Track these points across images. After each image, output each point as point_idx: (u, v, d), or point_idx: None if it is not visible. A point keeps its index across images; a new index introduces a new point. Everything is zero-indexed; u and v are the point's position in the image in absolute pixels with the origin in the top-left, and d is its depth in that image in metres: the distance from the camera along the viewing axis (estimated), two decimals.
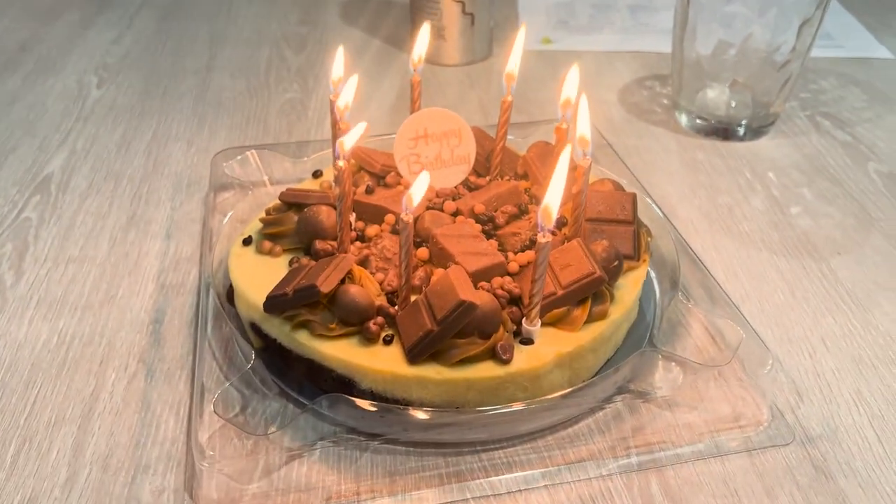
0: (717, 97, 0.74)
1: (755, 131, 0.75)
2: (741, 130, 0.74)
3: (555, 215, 0.41)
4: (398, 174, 0.54)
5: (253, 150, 0.65)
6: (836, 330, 0.53)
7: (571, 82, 0.50)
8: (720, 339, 0.51)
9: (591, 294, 0.46)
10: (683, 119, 0.77)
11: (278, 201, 0.53)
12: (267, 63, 0.88)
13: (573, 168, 0.48)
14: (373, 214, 0.52)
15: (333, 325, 0.44)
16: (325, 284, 0.43)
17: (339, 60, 0.54)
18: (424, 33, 0.56)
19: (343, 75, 0.53)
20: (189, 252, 0.59)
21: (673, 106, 0.79)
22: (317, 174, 0.59)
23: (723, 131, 0.75)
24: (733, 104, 0.74)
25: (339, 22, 0.98)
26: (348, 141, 0.45)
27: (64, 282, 0.57)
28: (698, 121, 0.75)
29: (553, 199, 0.41)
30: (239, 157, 0.64)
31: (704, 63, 0.72)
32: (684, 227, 0.62)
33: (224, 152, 0.64)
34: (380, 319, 0.44)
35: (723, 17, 0.69)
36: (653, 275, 0.55)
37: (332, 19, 0.99)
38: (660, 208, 0.57)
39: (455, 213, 0.51)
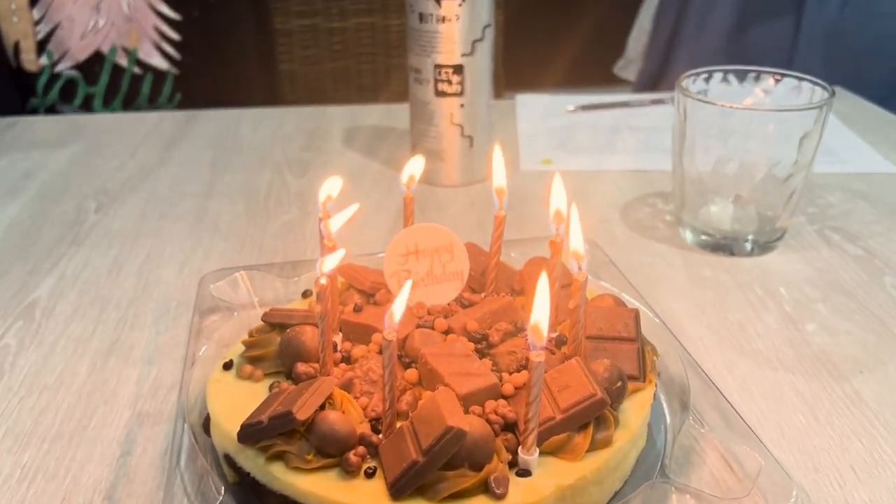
0: (720, 212, 0.72)
1: (763, 246, 0.72)
2: (748, 246, 0.72)
3: (545, 333, 0.38)
4: (388, 291, 0.52)
5: (242, 272, 0.63)
6: (866, 457, 0.49)
7: (558, 193, 0.48)
8: (738, 469, 0.46)
9: (592, 419, 0.42)
10: (688, 235, 0.75)
11: (262, 322, 0.51)
12: (267, 187, 0.88)
13: (569, 283, 0.46)
14: (360, 334, 0.49)
15: (310, 457, 0.40)
16: (302, 411, 0.40)
17: (333, 184, 0.52)
18: (418, 161, 0.56)
19: (334, 196, 0.52)
20: (169, 378, 0.56)
21: (676, 222, 0.77)
22: (306, 294, 0.57)
23: (729, 247, 0.72)
24: (738, 219, 0.72)
25: (341, 147, 0.99)
26: (329, 260, 0.43)
27: (35, 411, 0.53)
28: (703, 237, 0.73)
29: (541, 316, 0.39)
30: (228, 279, 0.62)
31: (706, 179, 0.71)
32: (693, 346, 0.59)
33: (213, 274, 0.63)
34: (361, 450, 0.40)
35: (720, 132, 0.68)
36: (662, 398, 0.51)
37: (335, 145, 1.00)
38: (666, 324, 0.54)
39: (447, 332, 0.49)
